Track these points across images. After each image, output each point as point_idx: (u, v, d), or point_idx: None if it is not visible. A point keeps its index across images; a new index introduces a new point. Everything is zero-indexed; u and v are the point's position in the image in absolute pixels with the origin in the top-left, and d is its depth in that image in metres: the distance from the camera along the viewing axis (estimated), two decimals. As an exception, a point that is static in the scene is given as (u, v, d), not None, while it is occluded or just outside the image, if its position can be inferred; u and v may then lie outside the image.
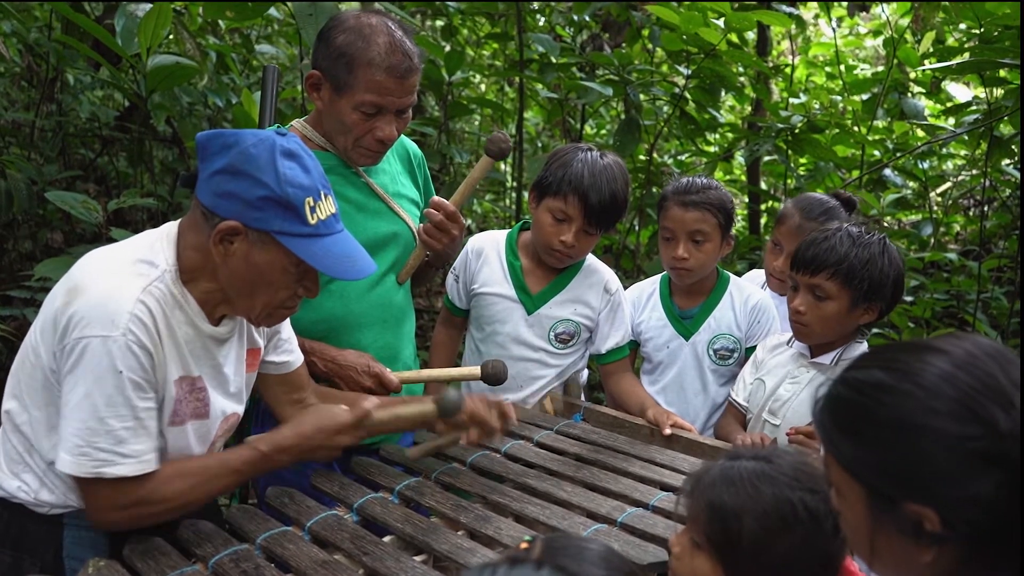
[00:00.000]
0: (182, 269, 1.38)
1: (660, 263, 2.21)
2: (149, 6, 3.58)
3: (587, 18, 4.05)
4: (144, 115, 3.77)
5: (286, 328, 1.63)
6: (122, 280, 1.33)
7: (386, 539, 1.48)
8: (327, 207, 1.36)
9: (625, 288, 2.21)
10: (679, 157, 5.66)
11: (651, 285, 2.24)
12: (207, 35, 4.54)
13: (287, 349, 1.64)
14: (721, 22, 3.31)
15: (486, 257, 2.15)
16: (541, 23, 4.78)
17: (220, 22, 4.33)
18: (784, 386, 1.90)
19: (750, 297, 2.14)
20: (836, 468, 0.96)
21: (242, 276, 1.37)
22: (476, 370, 1.88)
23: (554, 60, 3.90)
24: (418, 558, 1.42)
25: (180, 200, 3.89)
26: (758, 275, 2.37)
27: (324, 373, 1.77)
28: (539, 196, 2.04)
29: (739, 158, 5.39)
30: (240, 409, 1.54)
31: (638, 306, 2.21)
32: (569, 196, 1.97)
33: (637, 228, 4.74)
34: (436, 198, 1.92)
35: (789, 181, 4.68)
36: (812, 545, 1.11)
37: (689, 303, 2.16)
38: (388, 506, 1.58)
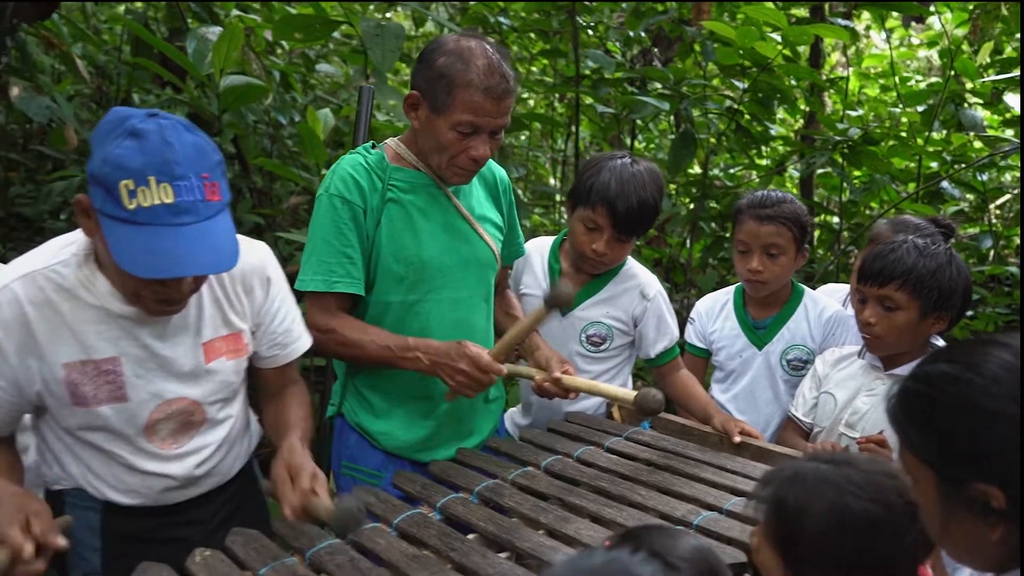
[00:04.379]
0: (97, 251, 1.41)
1: (714, 276, 2.26)
2: (219, 29, 3.74)
3: (642, 34, 4.10)
4: (210, 133, 3.93)
5: (281, 321, 1.63)
6: (14, 266, 1.42)
7: (470, 536, 1.54)
8: (157, 194, 1.25)
9: (674, 297, 2.25)
10: (729, 171, 5.67)
11: (725, 295, 2.29)
12: (269, 56, 4.70)
13: (279, 343, 1.64)
14: (778, 36, 3.33)
15: (531, 261, 2.25)
16: (591, 38, 4.85)
17: (284, 43, 4.48)
18: (860, 399, 1.92)
19: (825, 309, 2.17)
20: (908, 456, 1.03)
21: (103, 256, 1.38)
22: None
23: (608, 75, 3.95)
24: (502, 555, 1.47)
25: (241, 215, 4.02)
26: (835, 289, 2.40)
27: (429, 368, 1.77)
28: (572, 205, 2.12)
29: (791, 171, 5.38)
30: (195, 394, 1.53)
31: (711, 315, 2.26)
32: (598, 206, 2.03)
33: (689, 242, 4.76)
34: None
35: (844, 194, 4.66)
36: (868, 551, 1.13)
37: (763, 314, 2.20)
38: (469, 506, 1.64)
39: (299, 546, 1.46)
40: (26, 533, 1.23)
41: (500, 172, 2.04)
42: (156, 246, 1.26)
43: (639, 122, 4.93)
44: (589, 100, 6.12)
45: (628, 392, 1.83)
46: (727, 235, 4.41)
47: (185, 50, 3.33)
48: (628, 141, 5.02)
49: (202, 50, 3.50)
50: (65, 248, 1.44)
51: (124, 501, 1.54)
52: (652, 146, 6.60)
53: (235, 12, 4.39)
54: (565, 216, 6.36)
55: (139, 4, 5.32)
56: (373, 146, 1.89)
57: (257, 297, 1.60)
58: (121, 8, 5.69)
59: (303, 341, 1.69)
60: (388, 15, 5.47)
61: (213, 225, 1.32)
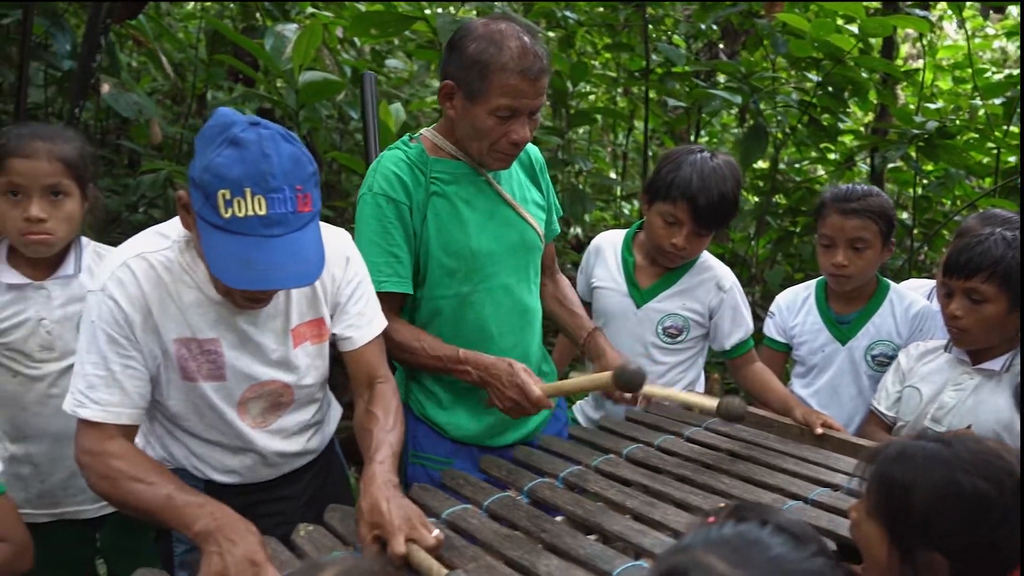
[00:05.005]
0: (195, 241, 1.45)
1: (781, 272, 2.25)
2: (295, 26, 3.83)
3: (714, 27, 4.07)
4: (285, 128, 4.04)
5: (356, 302, 1.65)
6: (125, 248, 1.49)
7: (558, 519, 1.58)
8: (253, 206, 1.29)
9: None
10: (795, 165, 5.59)
11: (806, 289, 2.28)
12: (341, 52, 4.80)
13: (353, 325, 1.64)
14: (855, 28, 3.28)
15: (603, 254, 2.26)
16: (659, 32, 4.84)
17: (356, 39, 4.57)
18: (947, 393, 1.90)
19: (912, 304, 2.15)
20: None
21: (198, 248, 1.44)
22: (607, 377, 1.75)
23: (681, 69, 3.94)
24: (591, 537, 1.51)
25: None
26: (919, 284, 2.37)
27: (478, 383, 1.79)
28: (650, 199, 2.11)
29: (861, 165, 5.28)
30: (287, 378, 1.58)
31: (792, 310, 2.25)
32: (678, 201, 2.03)
33: (752, 238, 4.71)
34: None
35: (917, 189, 4.56)
36: (977, 529, 1.12)
37: (847, 308, 2.19)
38: (556, 490, 1.68)
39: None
40: None
41: (534, 151, 2.03)
42: (246, 255, 1.30)
43: (705, 117, 4.90)
44: (652, 94, 6.09)
45: (710, 400, 1.82)
46: (796, 230, 4.36)
47: (261, 47, 3.43)
48: (692, 136, 5.00)
49: (279, 46, 3.61)
50: (167, 235, 1.52)
51: (223, 479, 1.64)
52: (715, 141, 6.54)
53: (310, 9, 4.49)
54: (626, 210, 6.33)
55: (210, 4, 5.48)
56: (411, 139, 1.88)
57: (336, 279, 1.63)
58: (190, 6, 5.87)
59: (376, 324, 1.69)
60: (451, 9, 5.52)
61: (302, 236, 1.35)
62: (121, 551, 2.01)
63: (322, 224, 1.59)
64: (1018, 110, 4.35)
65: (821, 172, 5.81)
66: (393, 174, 1.80)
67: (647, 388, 1.79)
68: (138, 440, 1.70)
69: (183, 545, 1.57)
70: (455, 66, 1.74)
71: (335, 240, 1.63)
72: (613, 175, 6.67)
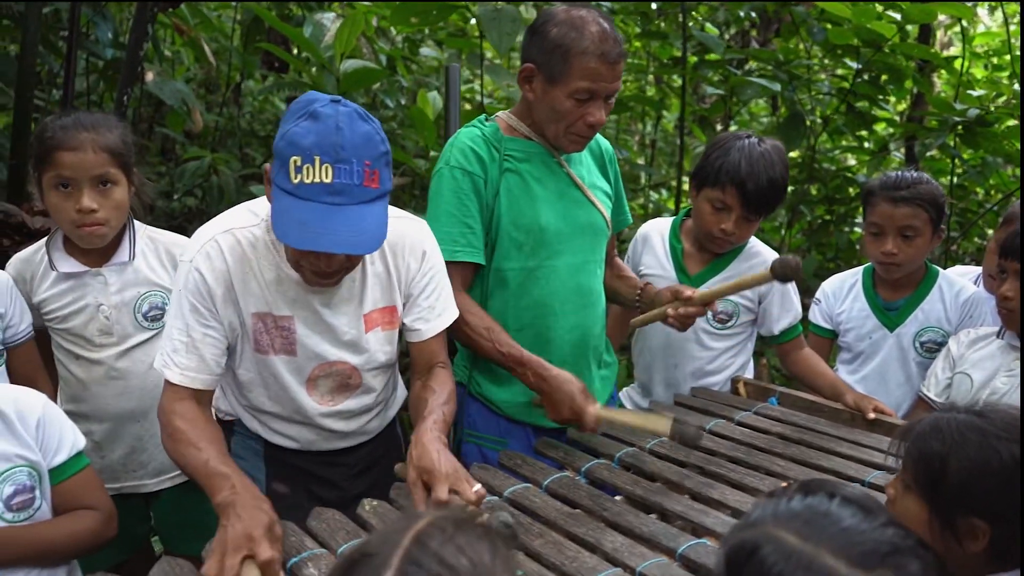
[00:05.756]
0: None
1: (814, 262, 2.24)
2: (333, 15, 3.86)
3: (753, 14, 4.06)
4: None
5: (428, 295, 1.67)
6: (216, 223, 1.56)
7: (617, 498, 1.61)
8: (320, 173, 1.34)
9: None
10: (828, 154, 5.57)
11: (852, 276, 2.28)
12: (377, 41, 4.84)
13: (422, 317, 1.67)
14: (897, 15, 3.26)
15: (651, 242, 2.28)
16: (693, 19, 4.82)
17: (392, 28, 4.60)
18: (999, 379, 1.91)
19: (962, 291, 2.15)
20: None
21: None
22: (666, 425, 1.66)
23: (715, 57, 3.94)
24: (652, 516, 1.54)
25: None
26: (966, 271, 2.37)
27: (533, 387, 1.81)
28: (698, 186, 2.13)
29: (894, 154, 5.24)
30: (355, 360, 1.63)
31: (838, 296, 2.26)
32: (727, 186, 2.05)
33: (785, 227, 4.70)
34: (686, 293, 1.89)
35: (954, 177, 4.53)
36: (1016, 492, 1.12)
37: (895, 295, 2.19)
38: (613, 470, 1.71)
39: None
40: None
41: (605, 143, 2.07)
42: (307, 219, 1.35)
43: (735, 104, 4.89)
44: (678, 83, 6.05)
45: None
46: (832, 219, 4.35)
47: (301, 35, 3.47)
48: (725, 125, 4.99)
49: (317, 35, 3.64)
50: (256, 213, 1.58)
51: (281, 443, 1.71)
52: (743, 129, 6.52)
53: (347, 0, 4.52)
54: (654, 198, 6.30)
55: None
56: (486, 119, 1.94)
57: (411, 269, 1.66)
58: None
59: (445, 318, 1.72)
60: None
61: (366, 210, 1.38)
62: (174, 525, 2.06)
63: (403, 214, 1.65)
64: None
65: (852, 161, 5.78)
66: (469, 148, 1.85)
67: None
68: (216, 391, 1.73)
69: None
70: (536, 49, 1.79)
71: (414, 231, 1.66)
72: (641, 162, 6.67)
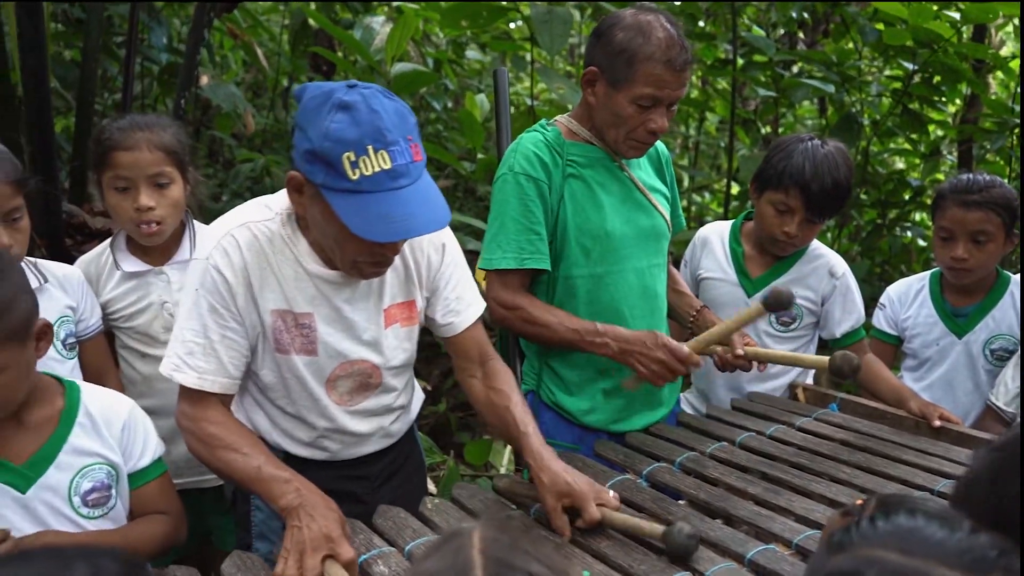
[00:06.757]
0: (298, 215, 1.47)
1: (864, 266, 2.19)
2: (382, 19, 3.90)
3: (805, 16, 4.01)
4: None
5: (454, 287, 1.64)
6: (229, 217, 1.50)
7: (680, 502, 1.59)
8: (376, 162, 1.30)
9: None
10: (879, 157, 5.47)
11: (919, 281, 2.23)
12: (424, 44, 4.88)
13: (453, 310, 1.64)
14: (955, 15, 3.20)
15: (710, 245, 2.26)
16: (740, 21, 4.78)
17: (439, 31, 4.64)
18: None
19: None
20: None
21: (315, 227, 1.43)
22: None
23: (762, 59, 3.90)
24: (717, 521, 1.52)
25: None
26: None
27: (616, 355, 1.80)
28: (760, 188, 2.11)
29: (947, 156, 5.14)
30: (376, 359, 1.58)
31: (904, 302, 2.22)
32: (791, 189, 2.02)
33: (829, 230, 4.62)
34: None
35: (1010, 181, 4.42)
36: None
37: (964, 301, 2.14)
38: (674, 474, 1.70)
39: (521, 503, 1.55)
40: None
41: (661, 146, 2.05)
42: (385, 211, 1.31)
43: (777, 106, 4.82)
44: (721, 85, 6.00)
45: (821, 358, 1.81)
46: (884, 223, 4.27)
47: (352, 38, 3.50)
48: (772, 128, 4.93)
49: (367, 38, 3.68)
50: (270, 207, 1.53)
51: (302, 453, 1.64)
52: (789, 132, 6.43)
53: (396, 3, 4.56)
54: (697, 200, 6.23)
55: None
56: (548, 124, 1.93)
57: (433, 263, 1.63)
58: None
59: (476, 307, 1.68)
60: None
61: (423, 184, 1.37)
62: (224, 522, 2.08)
63: None
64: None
65: (901, 164, 5.66)
66: (533, 154, 1.83)
67: (754, 350, 1.84)
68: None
69: (262, 513, 1.62)
70: (601, 53, 1.78)
71: None
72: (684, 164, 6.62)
